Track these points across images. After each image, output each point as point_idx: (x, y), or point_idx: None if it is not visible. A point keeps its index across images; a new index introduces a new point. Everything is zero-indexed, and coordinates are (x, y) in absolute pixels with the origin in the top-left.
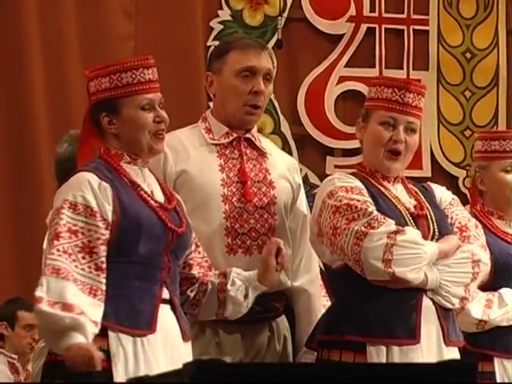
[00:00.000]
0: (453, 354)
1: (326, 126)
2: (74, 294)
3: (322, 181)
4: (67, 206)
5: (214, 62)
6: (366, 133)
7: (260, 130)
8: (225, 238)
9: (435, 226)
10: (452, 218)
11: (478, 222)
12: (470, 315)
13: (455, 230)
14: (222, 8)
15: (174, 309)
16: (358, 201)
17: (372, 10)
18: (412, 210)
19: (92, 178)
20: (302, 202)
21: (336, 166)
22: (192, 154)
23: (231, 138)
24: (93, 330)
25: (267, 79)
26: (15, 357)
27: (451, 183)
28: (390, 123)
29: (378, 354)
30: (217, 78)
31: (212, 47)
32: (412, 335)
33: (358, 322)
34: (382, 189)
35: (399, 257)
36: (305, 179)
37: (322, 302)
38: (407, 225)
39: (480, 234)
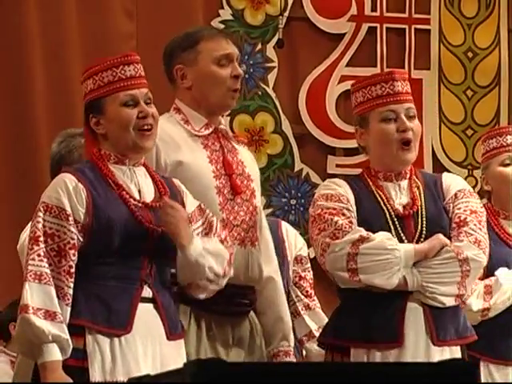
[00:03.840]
0: (446, 354)
1: (327, 125)
2: (55, 300)
3: (323, 180)
4: (43, 208)
5: (182, 54)
6: (370, 136)
7: (261, 129)
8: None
9: (424, 225)
10: (453, 213)
11: (482, 213)
12: (472, 309)
13: (453, 225)
14: (223, 7)
15: (157, 308)
16: (334, 209)
17: (373, 9)
18: (400, 210)
19: (69, 179)
20: (259, 193)
21: (337, 165)
22: (182, 145)
23: (211, 130)
24: (70, 345)
25: (238, 64)
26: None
27: None
28: (390, 117)
29: (359, 357)
30: (191, 69)
31: None
32: (393, 339)
33: (342, 328)
34: (375, 190)
35: (364, 265)
36: (306, 178)
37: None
38: (389, 227)
39: (477, 227)
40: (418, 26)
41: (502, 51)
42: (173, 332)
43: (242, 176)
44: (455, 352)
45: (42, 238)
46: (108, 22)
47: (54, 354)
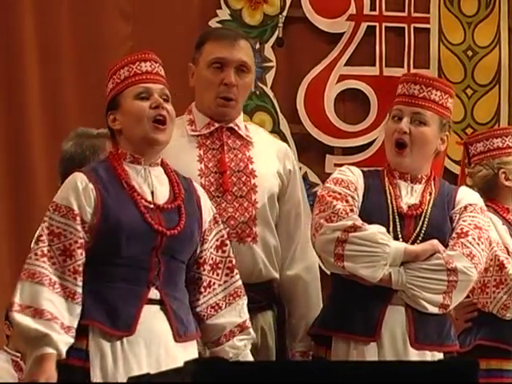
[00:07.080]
0: (426, 358)
1: (325, 125)
2: (47, 299)
3: (321, 179)
4: (52, 208)
5: (194, 53)
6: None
7: None
8: None
9: (424, 228)
10: (457, 223)
11: (486, 231)
12: None
13: (453, 235)
14: (220, 7)
15: (165, 310)
16: (339, 194)
17: (372, 8)
18: (404, 209)
19: (81, 179)
20: (297, 188)
21: (336, 165)
22: (170, 146)
23: (212, 129)
24: (62, 338)
25: (242, 70)
26: (19, 354)
27: (452, 181)
28: (398, 116)
29: (338, 350)
30: (195, 69)
31: None
32: (370, 333)
33: (326, 318)
34: (387, 186)
35: (350, 253)
36: (304, 178)
37: (319, 291)
38: (388, 223)
39: (475, 242)
40: (418, 25)
41: (502, 50)
42: (182, 334)
43: (241, 172)
44: (433, 357)
45: (44, 237)
46: (104, 23)
47: (42, 350)
